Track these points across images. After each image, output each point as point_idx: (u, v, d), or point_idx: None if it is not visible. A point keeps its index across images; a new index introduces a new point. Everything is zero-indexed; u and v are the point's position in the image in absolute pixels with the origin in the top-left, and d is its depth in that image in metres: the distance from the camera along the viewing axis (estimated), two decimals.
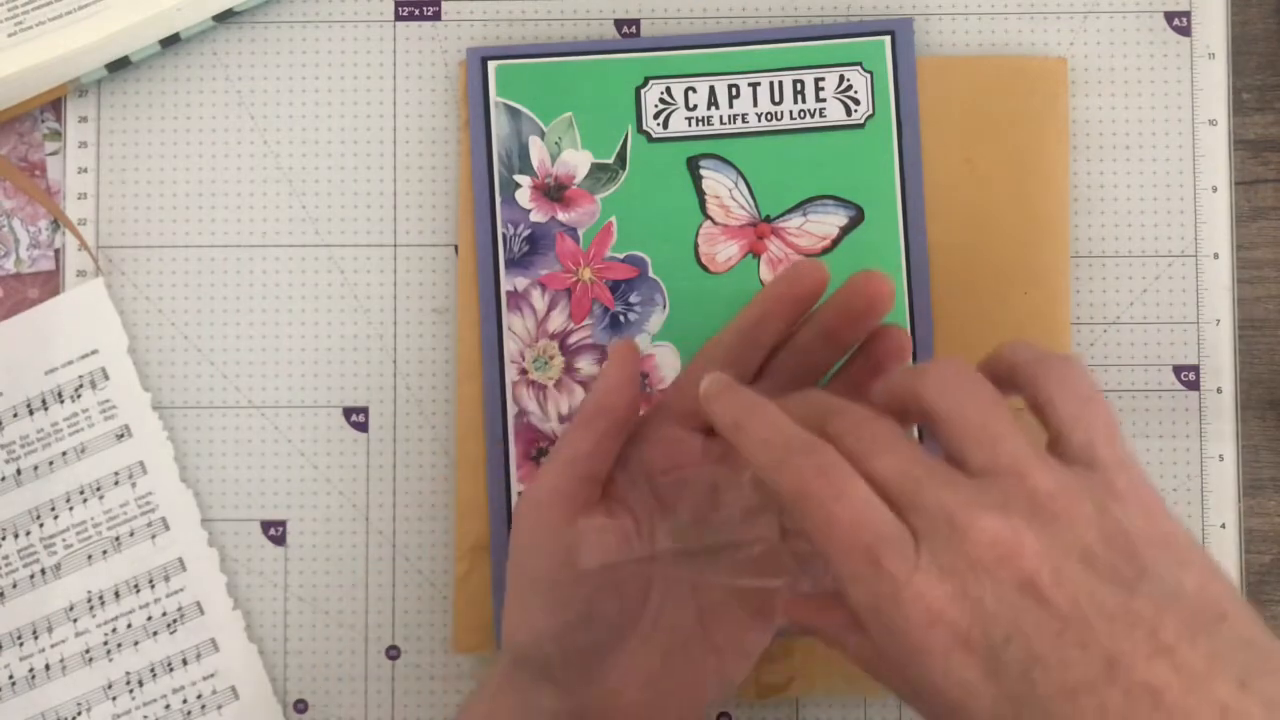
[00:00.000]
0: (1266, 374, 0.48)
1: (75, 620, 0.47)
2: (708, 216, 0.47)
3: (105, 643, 0.47)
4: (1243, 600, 0.30)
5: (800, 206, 0.47)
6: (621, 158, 0.48)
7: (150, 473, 0.48)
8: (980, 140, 0.48)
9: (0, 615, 0.47)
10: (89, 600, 0.47)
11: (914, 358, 0.45)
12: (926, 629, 0.29)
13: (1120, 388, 0.48)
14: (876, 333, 0.39)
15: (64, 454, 0.48)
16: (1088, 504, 0.30)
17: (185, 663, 0.47)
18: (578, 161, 0.48)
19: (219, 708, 0.47)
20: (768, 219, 0.47)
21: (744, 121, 0.47)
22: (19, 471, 0.47)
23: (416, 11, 0.49)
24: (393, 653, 0.48)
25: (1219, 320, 0.48)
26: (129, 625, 0.47)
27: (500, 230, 0.47)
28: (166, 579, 0.47)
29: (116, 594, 0.47)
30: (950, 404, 0.32)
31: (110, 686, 0.47)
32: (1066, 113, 0.48)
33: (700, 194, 0.47)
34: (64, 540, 0.47)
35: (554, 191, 0.48)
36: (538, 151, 0.48)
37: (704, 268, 0.47)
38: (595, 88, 0.48)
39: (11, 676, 0.47)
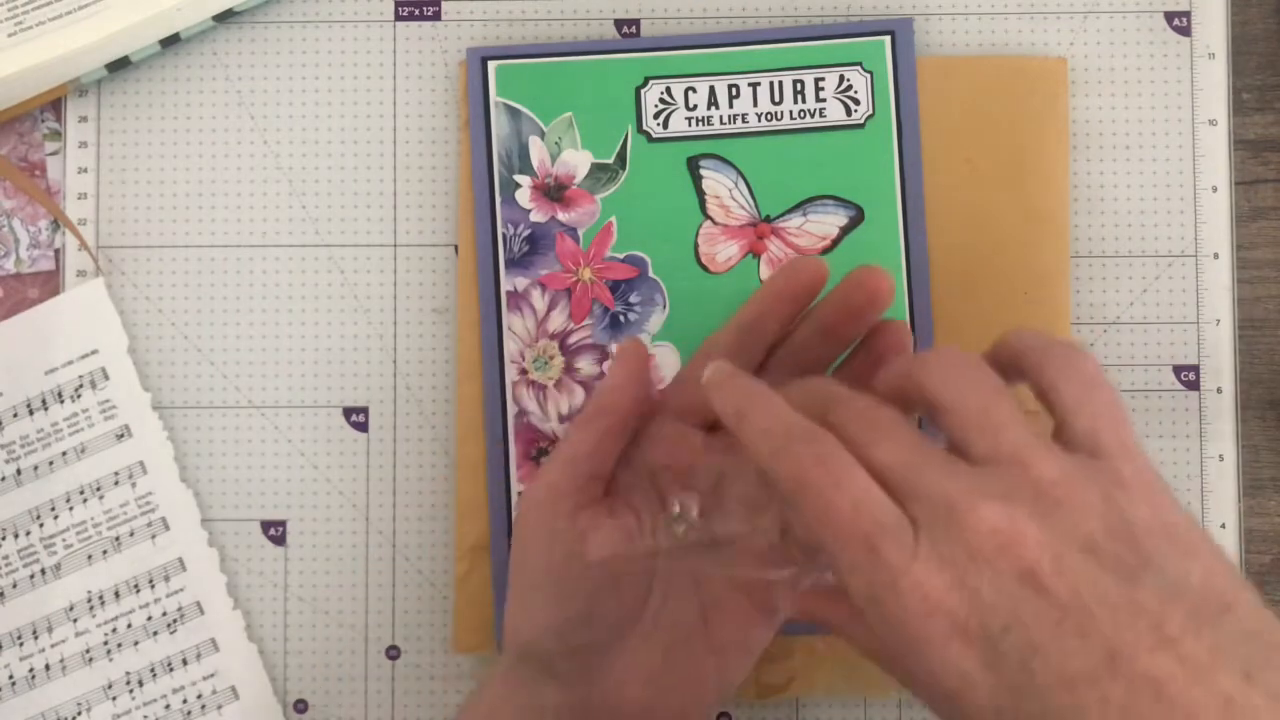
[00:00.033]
0: (1266, 374, 0.48)
1: (75, 620, 0.47)
2: (708, 216, 0.47)
3: (105, 643, 0.47)
4: (1250, 591, 0.29)
5: (800, 206, 0.47)
6: (621, 158, 0.48)
7: (150, 473, 0.48)
8: (980, 140, 0.48)
9: (0, 615, 0.47)
10: (89, 600, 0.47)
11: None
12: (924, 619, 0.29)
13: (1120, 388, 0.48)
14: (877, 328, 0.39)
15: (64, 454, 0.48)
16: (1091, 492, 0.29)
17: (185, 663, 0.47)
18: (578, 161, 0.48)
19: (219, 708, 0.47)
20: (768, 219, 0.47)
21: (744, 121, 0.47)
22: (19, 471, 0.47)
23: (416, 11, 0.49)
24: (393, 653, 0.48)
25: (1219, 320, 0.48)
26: (129, 625, 0.47)
27: (500, 230, 0.47)
28: (166, 579, 0.47)
29: (116, 594, 0.47)
30: (952, 392, 0.32)
31: (110, 686, 0.47)
32: (1066, 113, 0.48)
33: (700, 194, 0.47)
34: (64, 540, 0.47)
35: (554, 191, 0.48)
36: (538, 151, 0.48)
37: (704, 268, 0.47)
38: (595, 88, 0.48)
39: (11, 676, 0.47)
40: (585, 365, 0.47)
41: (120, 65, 0.48)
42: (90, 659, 0.47)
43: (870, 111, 0.47)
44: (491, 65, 0.48)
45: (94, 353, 0.48)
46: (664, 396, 0.41)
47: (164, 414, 0.48)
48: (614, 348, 0.47)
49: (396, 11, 0.49)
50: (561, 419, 0.47)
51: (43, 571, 0.47)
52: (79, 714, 0.47)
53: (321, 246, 0.49)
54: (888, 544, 0.29)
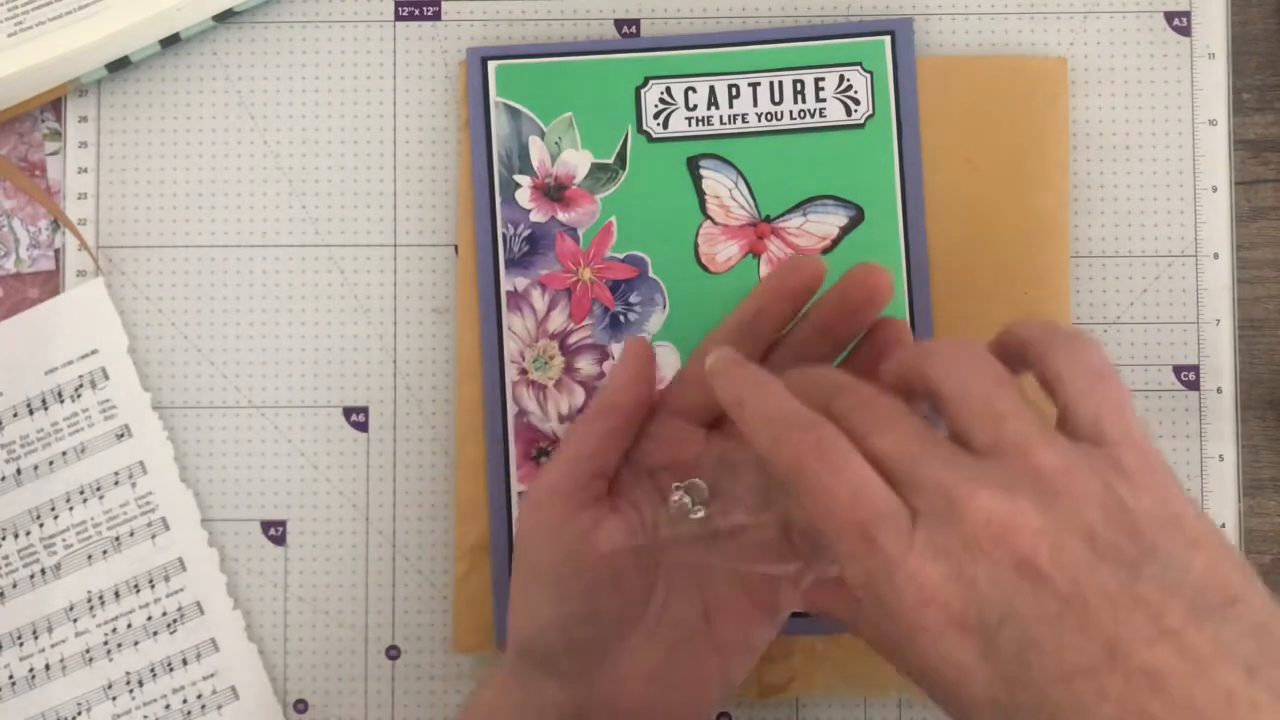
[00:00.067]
0: (1266, 374, 0.48)
1: (75, 620, 0.47)
2: (708, 216, 0.47)
3: (105, 643, 0.47)
4: (1258, 585, 0.28)
5: (800, 206, 0.47)
6: (621, 158, 0.48)
7: (150, 473, 0.48)
8: (980, 140, 0.48)
9: (0, 615, 0.47)
10: (89, 600, 0.47)
11: None
12: (919, 609, 0.28)
13: None
14: (877, 325, 0.39)
15: (64, 454, 0.48)
16: (1093, 482, 0.29)
17: (185, 663, 0.47)
18: (578, 161, 0.48)
19: (219, 708, 0.47)
20: (768, 219, 0.47)
21: (744, 121, 0.47)
22: (19, 471, 0.47)
23: (416, 11, 0.49)
24: (393, 653, 0.48)
25: (1219, 320, 0.48)
26: (129, 625, 0.47)
27: (500, 230, 0.47)
28: (166, 579, 0.47)
29: (116, 594, 0.47)
30: (955, 382, 0.31)
31: (110, 686, 0.47)
32: (1066, 113, 0.48)
33: (700, 194, 0.47)
34: (64, 540, 0.47)
35: (554, 191, 0.48)
36: (538, 151, 0.48)
37: (704, 268, 0.47)
38: (595, 88, 0.48)
39: (11, 676, 0.47)
40: (585, 365, 0.47)
41: (120, 65, 0.48)
42: (90, 659, 0.47)
43: (870, 111, 0.47)
44: (491, 65, 0.48)
45: (94, 353, 0.48)
46: (664, 395, 0.41)
47: (164, 414, 0.48)
48: (614, 348, 0.47)
49: (396, 11, 0.49)
50: (561, 419, 0.47)
51: (43, 571, 0.47)
52: (79, 714, 0.47)
53: (321, 246, 0.49)
54: (884, 533, 0.29)
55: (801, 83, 0.47)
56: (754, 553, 0.38)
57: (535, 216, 0.47)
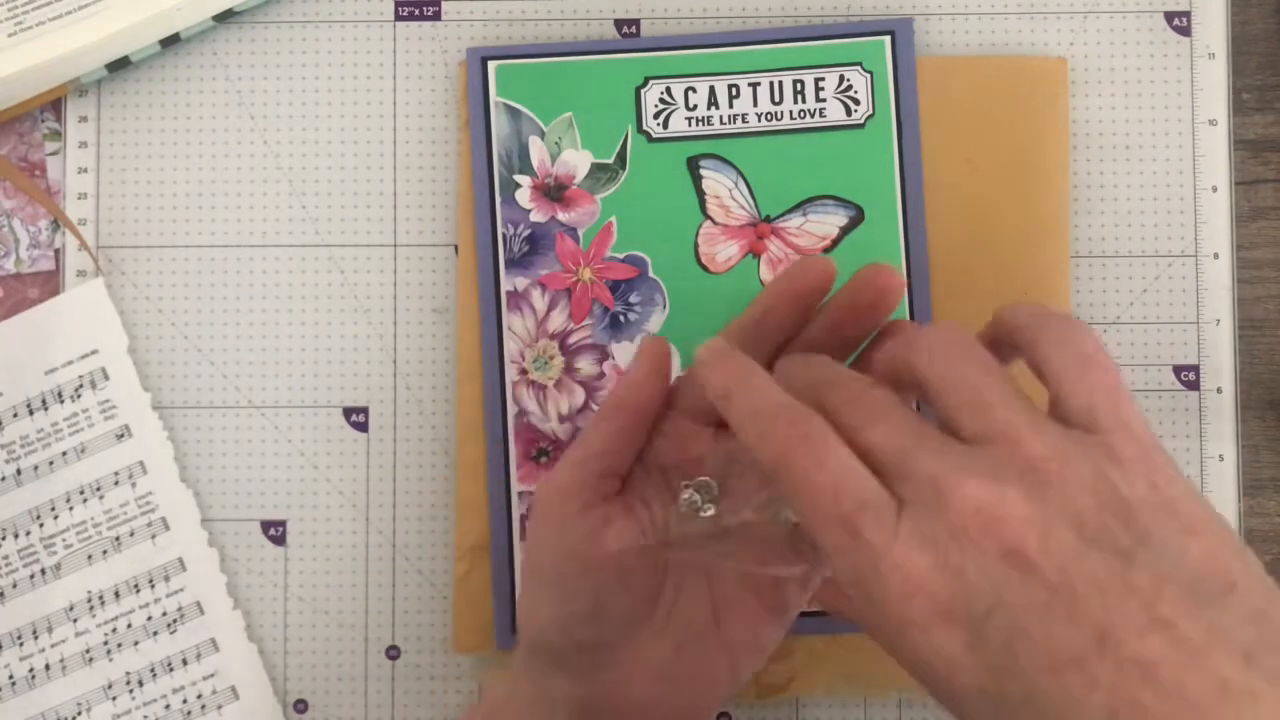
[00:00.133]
0: (1266, 374, 0.48)
1: (75, 620, 0.47)
2: (708, 216, 0.47)
3: (105, 643, 0.47)
4: (1259, 571, 0.28)
5: (800, 206, 0.47)
6: (621, 158, 0.48)
7: (150, 473, 0.48)
8: (980, 140, 0.48)
9: (0, 615, 0.47)
10: (89, 600, 0.47)
11: None
12: (906, 600, 0.28)
13: None
14: (888, 328, 0.39)
15: (64, 454, 0.48)
16: (1084, 469, 0.28)
17: (185, 663, 0.47)
18: (578, 161, 0.48)
19: (219, 708, 0.47)
20: (768, 219, 0.47)
21: (744, 121, 0.47)
22: (19, 471, 0.47)
23: (416, 11, 0.49)
24: (393, 653, 0.48)
25: (1219, 320, 0.48)
26: (129, 625, 0.47)
27: (500, 230, 0.47)
28: (166, 579, 0.47)
29: (116, 594, 0.47)
30: (941, 371, 0.31)
31: (110, 686, 0.47)
32: (1066, 113, 0.48)
33: (700, 194, 0.47)
34: (64, 540, 0.47)
35: (554, 191, 0.48)
36: (538, 151, 0.48)
37: (704, 268, 0.47)
38: (595, 88, 0.48)
39: (11, 676, 0.47)
40: (585, 365, 0.47)
41: (120, 65, 0.48)
42: (90, 659, 0.47)
43: (870, 111, 0.47)
44: (491, 65, 0.48)
45: (94, 353, 0.48)
46: (671, 395, 0.41)
47: (164, 414, 0.48)
48: (614, 348, 0.47)
49: (396, 11, 0.49)
50: (561, 419, 0.47)
51: (43, 571, 0.47)
52: (79, 714, 0.47)
53: (321, 246, 0.49)
54: (869, 524, 0.29)
55: (801, 83, 0.47)
56: (762, 552, 0.38)
57: (535, 216, 0.47)
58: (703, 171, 0.47)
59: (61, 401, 0.48)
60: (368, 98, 0.49)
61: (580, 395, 0.47)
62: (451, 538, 0.48)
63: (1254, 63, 0.49)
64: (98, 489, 0.47)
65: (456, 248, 0.48)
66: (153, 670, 0.47)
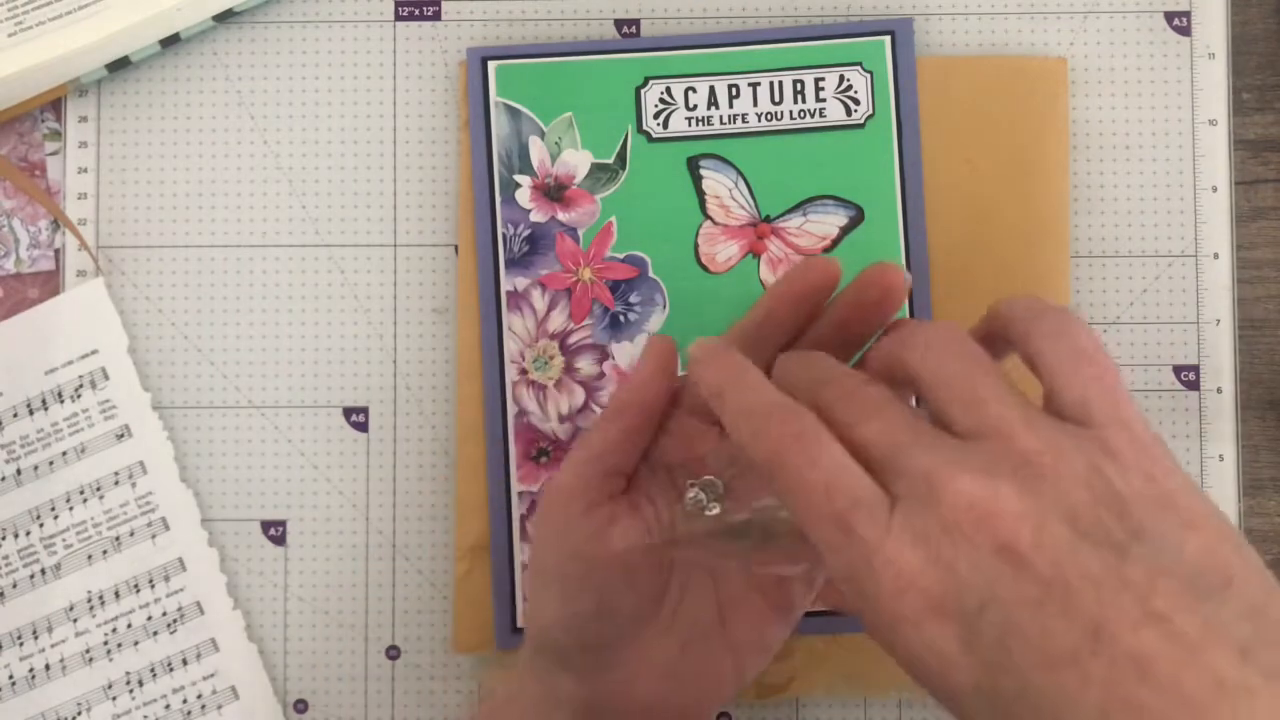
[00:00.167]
0: (1266, 374, 0.48)
1: (75, 620, 0.47)
2: (708, 216, 0.47)
3: (105, 643, 0.47)
4: (1257, 566, 0.27)
5: (800, 206, 0.47)
6: (621, 158, 0.48)
7: (150, 473, 0.48)
8: (980, 140, 0.48)
9: (0, 615, 0.47)
10: (89, 600, 0.47)
11: None
12: (898, 596, 0.28)
13: None
14: (893, 326, 0.39)
15: (64, 454, 0.48)
16: (1078, 463, 0.28)
17: (185, 663, 0.47)
18: (578, 161, 0.48)
19: (219, 708, 0.47)
20: (768, 219, 0.47)
21: (744, 121, 0.47)
22: (19, 471, 0.47)
23: (416, 11, 0.49)
24: (393, 653, 0.48)
25: (1219, 320, 0.48)
26: (129, 625, 0.47)
27: (500, 230, 0.47)
28: (166, 579, 0.47)
29: (116, 594, 0.47)
30: (934, 367, 0.31)
31: (110, 686, 0.47)
32: (1066, 113, 0.48)
33: (700, 194, 0.47)
34: (64, 540, 0.47)
35: (554, 191, 0.48)
36: (538, 151, 0.48)
37: (704, 268, 0.47)
38: (595, 88, 0.48)
39: (11, 676, 0.47)
40: (585, 365, 0.47)
41: (120, 65, 0.48)
42: (90, 659, 0.47)
43: (870, 111, 0.47)
44: (491, 65, 0.48)
45: (94, 353, 0.48)
46: (678, 394, 0.41)
47: (164, 414, 0.48)
48: (614, 348, 0.47)
49: (396, 11, 0.49)
50: (561, 419, 0.47)
51: (43, 571, 0.47)
52: (79, 714, 0.47)
53: (321, 246, 0.49)
54: (861, 520, 0.28)
55: (801, 83, 0.47)
56: (766, 551, 0.38)
57: (535, 216, 0.47)
58: (703, 171, 0.47)
59: (61, 401, 0.48)
60: (368, 98, 0.49)
61: (580, 395, 0.47)
62: (451, 538, 0.48)
63: (1254, 63, 0.49)
64: (98, 489, 0.47)
65: (456, 248, 0.48)
66: (153, 670, 0.47)
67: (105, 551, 0.47)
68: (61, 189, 0.49)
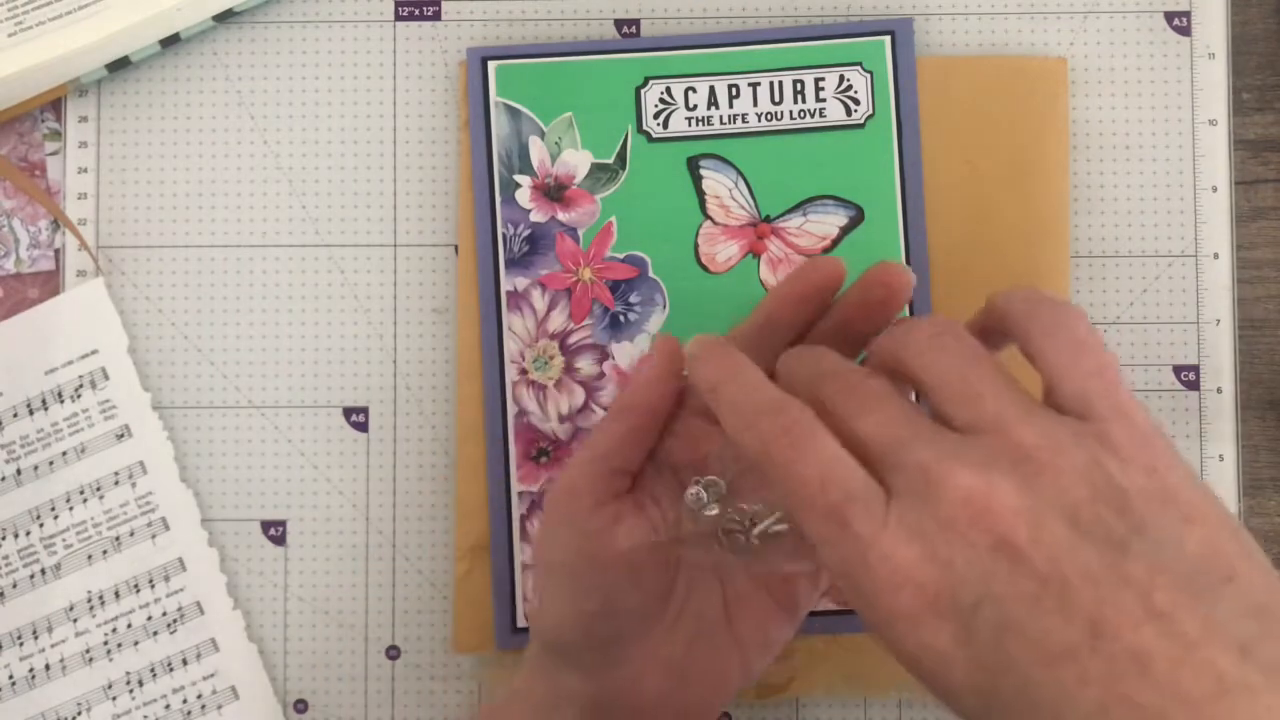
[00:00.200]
0: (1266, 374, 0.48)
1: (75, 620, 0.47)
2: (708, 216, 0.47)
3: (105, 643, 0.47)
4: (1261, 561, 0.27)
5: (800, 206, 0.47)
6: (621, 158, 0.48)
7: (150, 473, 0.48)
8: (980, 140, 0.48)
9: (0, 615, 0.47)
10: (89, 600, 0.47)
11: None
12: (893, 593, 0.27)
13: None
14: (891, 325, 0.39)
15: (64, 454, 0.48)
16: (1077, 457, 0.27)
17: (185, 663, 0.47)
18: (578, 161, 0.48)
19: (219, 708, 0.47)
20: (768, 219, 0.47)
21: (744, 121, 0.47)
22: (19, 471, 0.47)
23: (416, 11, 0.49)
24: (393, 653, 0.48)
25: (1219, 320, 0.48)
26: (129, 625, 0.47)
27: (500, 230, 0.47)
28: (166, 579, 0.47)
29: (116, 594, 0.47)
30: (930, 364, 0.31)
31: (110, 686, 0.47)
32: (1066, 113, 0.48)
33: (700, 194, 0.47)
34: (64, 540, 0.47)
35: (554, 191, 0.48)
36: (538, 151, 0.48)
37: (704, 268, 0.47)
38: (595, 88, 0.48)
39: (11, 676, 0.47)
40: (585, 365, 0.47)
41: (120, 65, 0.48)
42: (90, 659, 0.47)
43: (870, 111, 0.47)
44: (491, 65, 0.48)
45: (94, 353, 0.48)
46: (684, 394, 0.41)
47: (164, 414, 0.48)
48: (614, 348, 0.47)
49: (396, 11, 0.49)
50: (561, 419, 0.47)
51: (43, 571, 0.47)
52: (79, 714, 0.47)
53: (321, 246, 0.49)
54: (856, 515, 0.28)
55: (801, 83, 0.47)
56: (769, 552, 0.38)
57: (535, 216, 0.47)
58: (703, 171, 0.47)
59: (61, 401, 0.48)
60: (368, 98, 0.49)
61: (580, 395, 0.47)
62: (451, 538, 0.48)
63: (1254, 63, 0.49)
64: (98, 489, 0.47)
65: (456, 248, 0.48)
66: (153, 670, 0.47)
67: (105, 551, 0.47)
68: (61, 189, 0.49)
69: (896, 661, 0.29)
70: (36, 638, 0.47)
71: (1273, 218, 0.49)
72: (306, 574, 0.48)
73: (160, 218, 0.49)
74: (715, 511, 0.37)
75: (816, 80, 0.47)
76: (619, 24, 0.49)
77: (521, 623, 0.47)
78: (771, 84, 0.47)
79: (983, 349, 0.31)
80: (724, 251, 0.47)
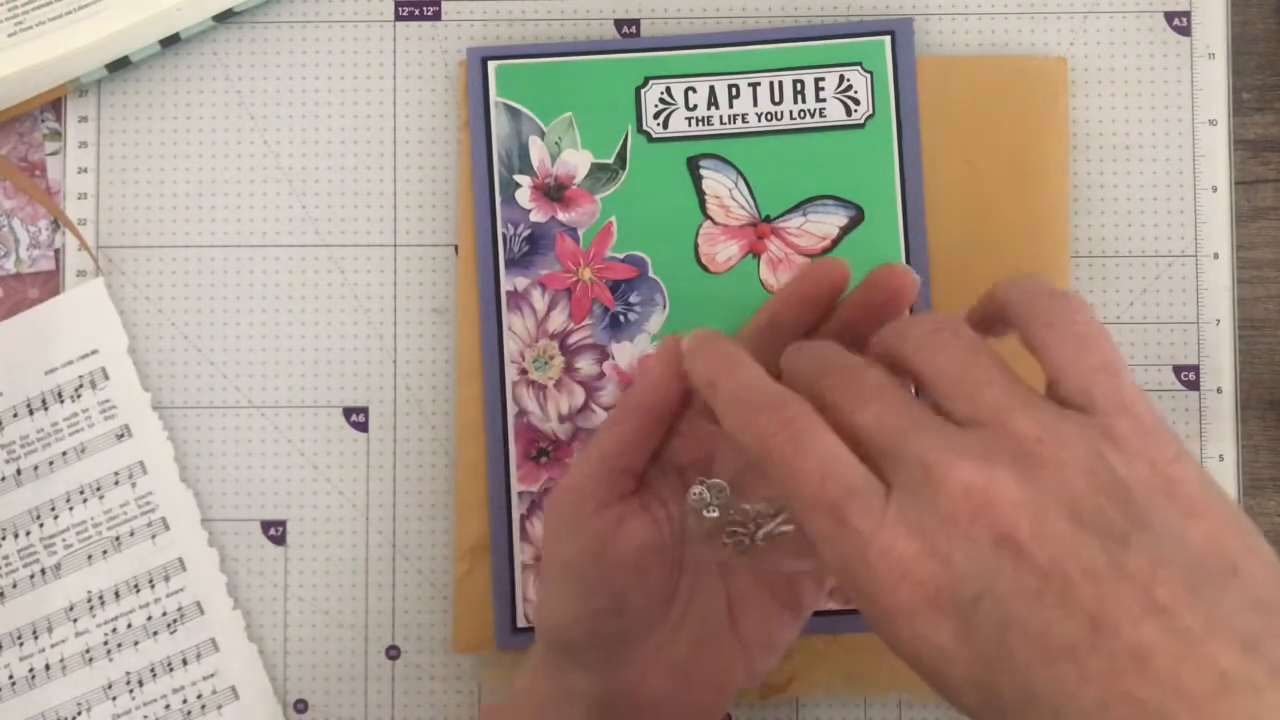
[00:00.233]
0: (1266, 374, 0.48)
1: (75, 620, 0.47)
2: (708, 216, 0.47)
3: (105, 643, 0.47)
4: (1266, 556, 0.26)
5: (800, 206, 0.47)
6: (621, 158, 0.48)
7: (150, 473, 0.48)
8: (980, 140, 0.48)
9: (0, 615, 0.47)
10: (89, 600, 0.47)
11: None
12: (893, 588, 0.27)
13: None
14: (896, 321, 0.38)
15: (64, 454, 0.48)
16: (1080, 450, 0.27)
17: (185, 663, 0.47)
18: (578, 161, 0.48)
19: (219, 708, 0.47)
20: (768, 219, 0.47)
21: (744, 121, 0.47)
22: (19, 471, 0.47)
23: (416, 11, 0.49)
24: (393, 653, 0.48)
25: (1219, 320, 0.48)
26: (129, 625, 0.47)
27: (500, 230, 0.47)
28: (166, 579, 0.47)
29: (116, 594, 0.47)
30: (929, 359, 0.30)
31: (110, 686, 0.47)
32: (1066, 113, 0.48)
33: (700, 194, 0.47)
34: (64, 540, 0.47)
35: (554, 191, 0.48)
36: (538, 151, 0.48)
37: (704, 268, 0.47)
38: (595, 88, 0.48)
39: (11, 676, 0.47)
40: (585, 365, 0.47)
41: (120, 65, 0.48)
42: (90, 659, 0.47)
43: (870, 111, 0.47)
44: (491, 65, 0.48)
45: (94, 353, 0.48)
46: (689, 394, 0.41)
47: (164, 414, 0.48)
48: (614, 348, 0.47)
49: (396, 11, 0.49)
50: (561, 419, 0.47)
51: (43, 571, 0.47)
52: (79, 714, 0.47)
53: (321, 246, 0.49)
54: (855, 510, 0.28)
55: (801, 83, 0.47)
56: (774, 550, 0.38)
57: (535, 216, 0.47)
58: (703, 171, 0.47)
59: (61, 401, 0.48)
60: (368, 98, 0.49)
61: (580, 395, 0.47)
62: (451, 538, 0.48)
63: (1254, 63, 0.49)
64: (98, 489, 0.47)
65: (456, 248, 0.48)
66: (153, 670, 0.47)
67: (105, 551, 0.47)
68: (61, 189, 0.49)
69: (897, 657, 0.28)
70: (36, 638, 0.47)
71: (1273, 218, 0.49)
72: (306, 574, 0.48)
73: (160, 218, 0.49)
74: (717, 515, 0.37)
75: (816, 80, 0.47)
76: (619, 24, 0.49)
77: (522, 623, 0.47)
78: (771, 84, 0.47)
79: (982, 343, 0.31)
80: (724, 251, 0.47)
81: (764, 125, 0.47)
